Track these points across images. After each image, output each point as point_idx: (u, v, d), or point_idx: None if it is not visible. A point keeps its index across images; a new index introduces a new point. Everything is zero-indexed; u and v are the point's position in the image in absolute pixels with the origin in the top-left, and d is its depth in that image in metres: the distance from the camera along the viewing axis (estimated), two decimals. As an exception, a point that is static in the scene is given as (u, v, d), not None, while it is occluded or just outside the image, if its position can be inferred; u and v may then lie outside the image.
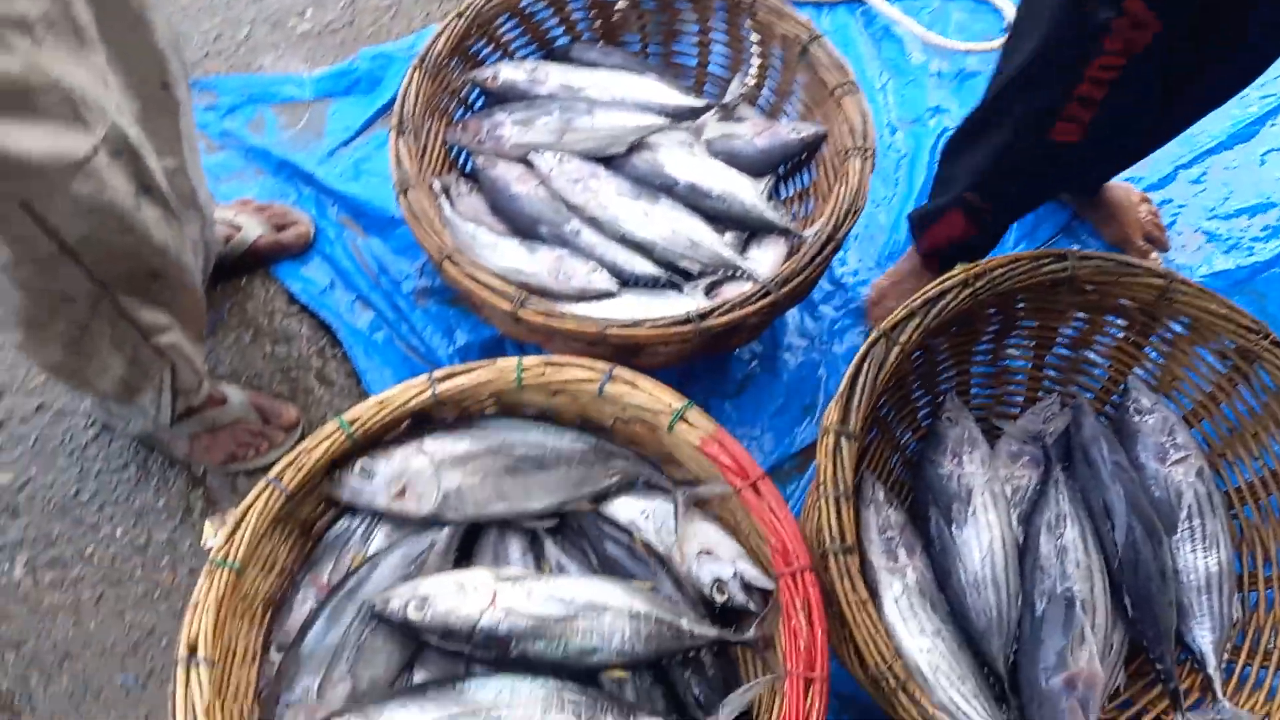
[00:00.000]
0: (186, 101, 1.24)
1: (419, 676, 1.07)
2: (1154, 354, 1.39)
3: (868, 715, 1.31)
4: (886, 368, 1.16)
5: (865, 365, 1.15)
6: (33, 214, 0.93)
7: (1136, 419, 1.35)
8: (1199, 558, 1.26)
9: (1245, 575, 1.29)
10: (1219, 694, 1.18)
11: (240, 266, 1.66)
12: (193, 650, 0.94)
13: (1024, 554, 1.27)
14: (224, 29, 2.02)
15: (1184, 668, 1.24)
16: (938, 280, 1.21)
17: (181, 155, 1.24)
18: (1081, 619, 1.19)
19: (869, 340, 1.17)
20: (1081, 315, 1.39)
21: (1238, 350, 1.28)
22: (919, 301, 1.20)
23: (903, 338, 1.17)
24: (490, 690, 0.98)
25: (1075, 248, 1.36)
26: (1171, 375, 1.38)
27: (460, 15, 1.51)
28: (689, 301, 1.42)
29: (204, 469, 1.49)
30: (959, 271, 1.21)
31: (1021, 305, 1.37)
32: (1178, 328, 1.33)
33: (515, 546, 1.18)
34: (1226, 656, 1.23)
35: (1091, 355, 1.44)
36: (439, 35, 1.48)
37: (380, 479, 1.09)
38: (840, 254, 1.55)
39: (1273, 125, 1.95)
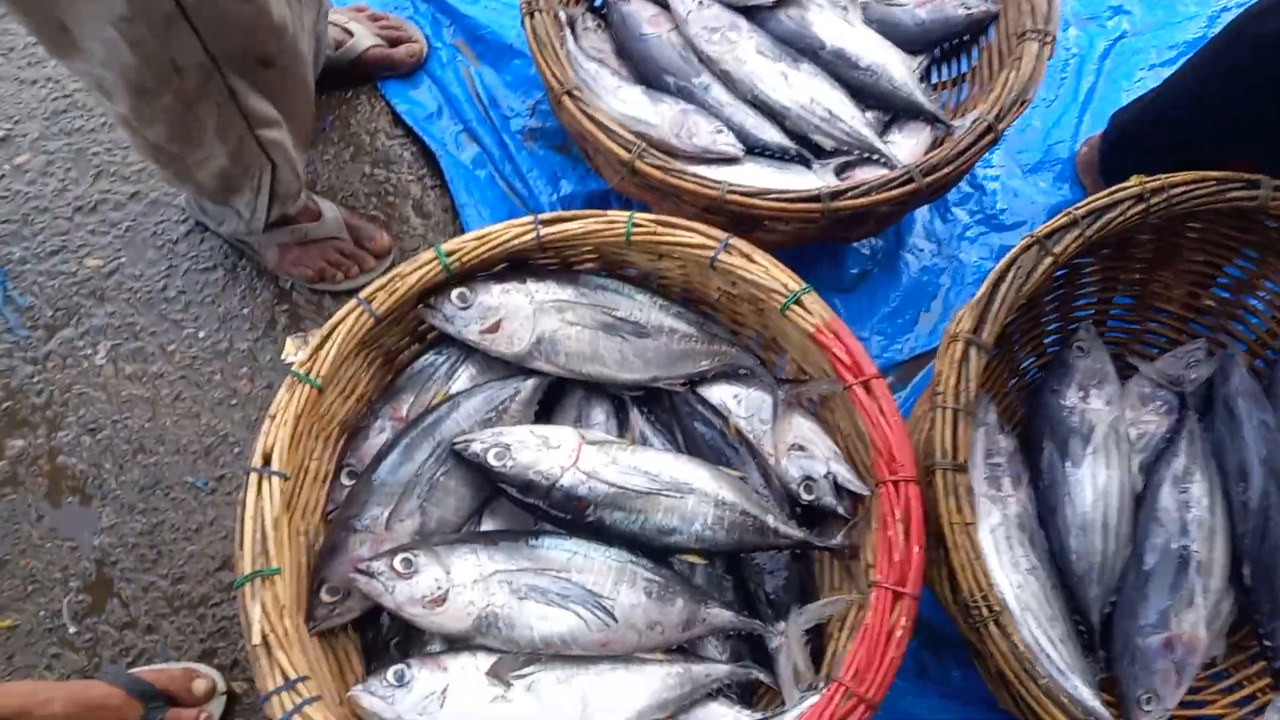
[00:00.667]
0: None
1: (487, 525, 1.04)
2: (1328, 310, 1.24)
3: (938, 641, 1.25)
4: (1034, 278, 1.05)
5: (1012, 272, 1.04)
6: None
7: (1292, 379, 1.22)
8: (1331, 537, 1.15)
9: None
10: (1326, 681, 1.10)
11: (347, 77, 1.58)
12: (267, 460, 0.91)
13: (1139, 503, 1.17)
14: None
15: (1291, 649, 1.15)
16: (1108, 190, 1.07)
17: None
18: (1195, 581, 1.10)
19: (1020, 245, 1.05)
20: (1253, 254, 1.24)
21: None
22: (1083, 210, 1.07)
23: (1057, 248, 1.05)
24: (563, 551, 0.94)
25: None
26: (1344, 336, 1.23)
27: None
28: (816, 179, 1.30)
29: (291, 284, 1.46)
30: (1134, 183, 1.07)
31: (1189, 233, 1.22)
32: (1366, 283, 1.18)
33: (599, 410, 1.12)
34: (1341, 644, 1.13)
35: (1254, 302, 1.29)
36: None
37: (476, 309, 1.03)
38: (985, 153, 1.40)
39: None
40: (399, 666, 0.88)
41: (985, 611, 0.94)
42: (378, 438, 1.05)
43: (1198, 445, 1.18)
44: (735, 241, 1.04)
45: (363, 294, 0.99)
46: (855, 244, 1.50)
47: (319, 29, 1.32)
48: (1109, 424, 1.18)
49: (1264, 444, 1.16)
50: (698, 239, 1.04)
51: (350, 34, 1.53)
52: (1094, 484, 1.15)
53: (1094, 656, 1.12)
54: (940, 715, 1.21)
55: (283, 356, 1.41)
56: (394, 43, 1.57)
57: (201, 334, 1.43)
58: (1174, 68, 1.64)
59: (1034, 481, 1.18)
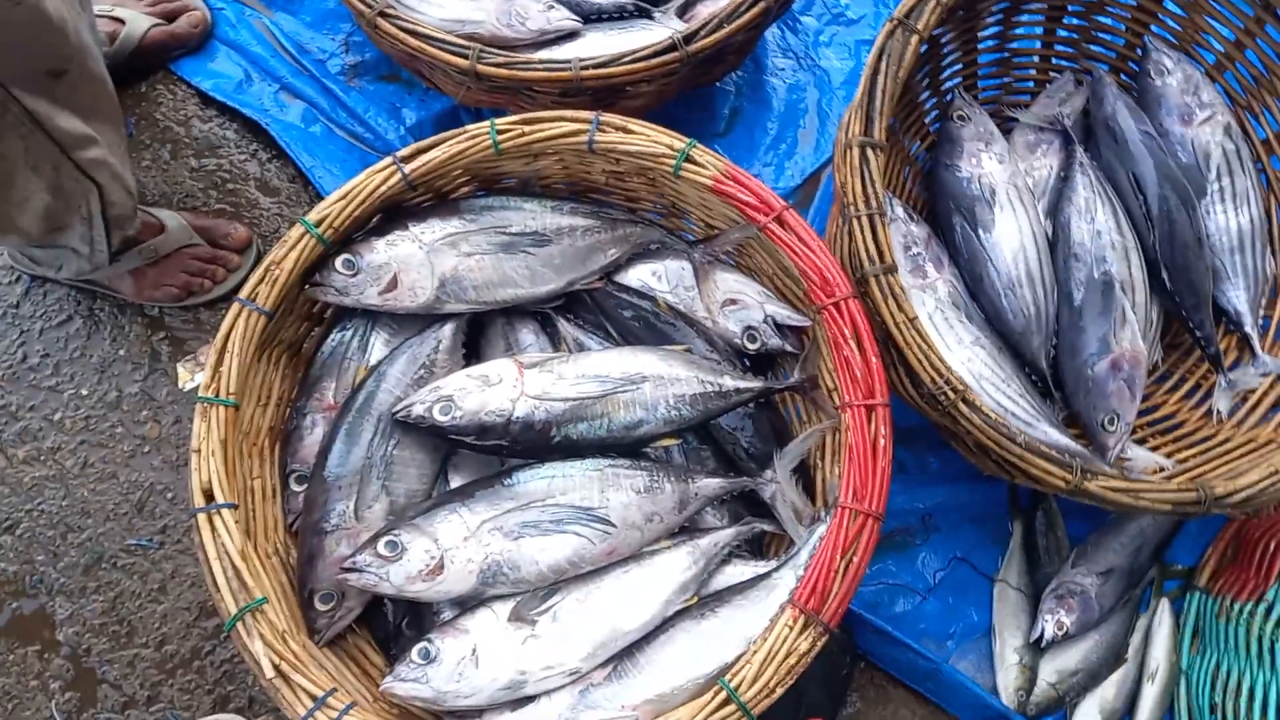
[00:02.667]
0: None
1: (456, 481, 1.01)
2: (1174, 7, 1.26)
3: (905, 435, 1.28)
4: (905, 62, 1.03)
5: (884, 62, 1.02)
6: None
7: (1158, 82, 1.25)
8: (1230, 217, 1.22)
9: (1275, 229, 1.24)
10: (1257, 350, 1.18)
11: (134, 70, 1.43)
12: (209, 497, 0.86)
13: (1054, 245, 1.21)
14: None
15: (1219, 330, 1.22)
16: (948, -53, 1.05)
17: None
18: (1122, 299, 1.15)
19: (884, 32, 1.03)
20: (1097, -26, 1.25)
21: (1272, -15, 1.15)
22: (933, -24, 1.04)
23: (920, 24, 1.04)
24: (540, 480, 0.92)
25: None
26: (1194, 28, 1.26)
27: None
28: (664, 29, 1.24)
29: (158, 308, 1.35)
30: (971, -64, 1.05)
31: (1033, -29, 1.22)
32: (1203, -32, 1.20)
33: (526, 331, 1.09)
34: (1262, 312, 1.21)
35: (1106, 21, 1.31)
36: None
37: (367, 272, 0.97)
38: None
39: None
40: (422, 645, 0.86)
41: (951, 394, 0.96)
42: (313, 434, 1.00)
43: (1090, 174, 1.21)
44: (606, 118, 0.99)
45: (243, 294, 0.92)
46: (719, 84, 1.45)
47: (89, 21, 1.17)
48: (1007, 180, 1.20)
49: (1150, 153, 1.20)
50: (568, 126, 0.99)
51: (121, 21, 1.36)
52: (1009, 242, 1.17)
53: (1052, 400, 1.17)
54: (929, 501, 1.26)
55: (180, 385, 1.31)
56: (171, 16, 1.41)
57: (84, 391, 1.32)
58: None
59: (954, 259, 1.20)
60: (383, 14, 1.10)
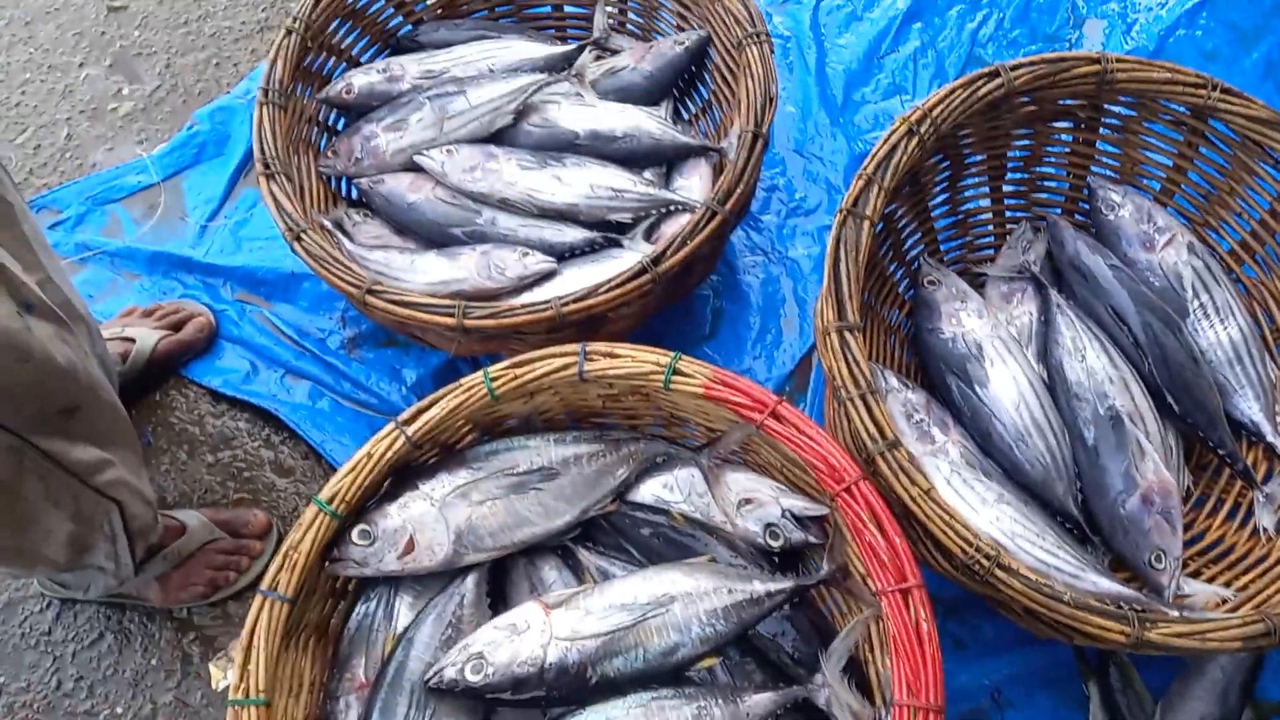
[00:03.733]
0: (21, 206, 1.09)
1: (499, 740, 0.97)
2: (1108, 147, 1.33)
3: (952, 608, 1.24)
4: (863, 245, 1.08)
5: (841, 250, 1.07)
6: None
7: (1111, 216, 1.30)
8: (1219, 331, 1.23)
9: (1266, 333, 1.25)
10: (1286, 457, 1.15)
11: (148, 381, 1.50)
12: (248, 808, 0.82)
13: (1053, 389, 1.21)
14: (41, 137, 1.82)
15: (1241, 444, 1.20)
16: (883, 138, 1.13)
17: (41, 264, 1.09)
18: (1134, 431, 1.14)
19: (836, 223, 1.09)
20: (1026, 132, 1.33)
21: (1191, 112, 1.22)
22: (871, 166, 1.12)
23: (868, 210, 1.09)
24: (584, 731, 0.88)
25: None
26: (1131, 161, 1.33)
27: (289, 32, 1.36)
28: (634, 254, 1.31)
29: (187, 609, 1.35)
30: (898, 124, 1.14)
31: (965, 141, 1.30)
32: (1124, 110, 1.28)
33: (548, 567, 1.08)
34: (1279, 419, 1.19)
35: (1047, 169, 1.38)
36: (273, 61, 1.35)
37: (383, 539, 0.98)
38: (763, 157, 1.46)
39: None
40: None
41: (984, 562, 0.94)
42: (349, 717, 0.97)
43: (1070, 313, 1.24)
44: (592, 347, 1.03)
45: (264, 585, 0.92)
46: (697, 291, 1.52)
47: (99, 350, 1.25)
48: (990, 334, 1.23)
49: (1121, 284, 1.23)
50: (557, 362, 1.03)
51: (132, 340, 1.45)
52: (1007, 394, 1.18)
53: (1092, 546, 1.13)
54: (994, 675, 1.20)
55: (214, 686, 1.28)
56: (178, 326, 1.51)
57: (120, 710, 1.29)
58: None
59: (958, 419, 1.20)
60: (370, 291, 1.17)
